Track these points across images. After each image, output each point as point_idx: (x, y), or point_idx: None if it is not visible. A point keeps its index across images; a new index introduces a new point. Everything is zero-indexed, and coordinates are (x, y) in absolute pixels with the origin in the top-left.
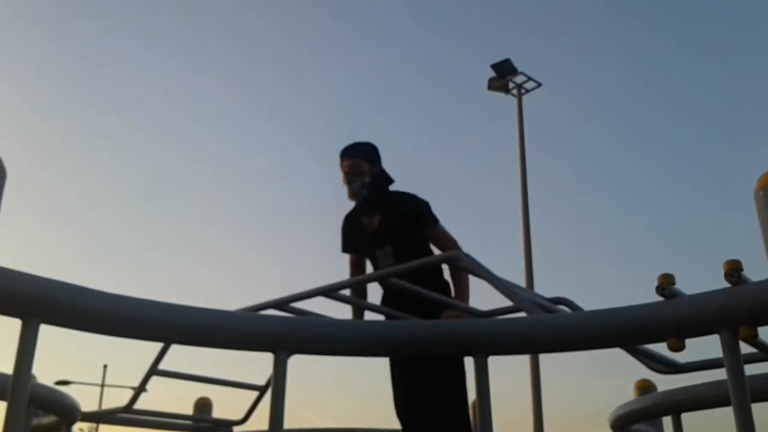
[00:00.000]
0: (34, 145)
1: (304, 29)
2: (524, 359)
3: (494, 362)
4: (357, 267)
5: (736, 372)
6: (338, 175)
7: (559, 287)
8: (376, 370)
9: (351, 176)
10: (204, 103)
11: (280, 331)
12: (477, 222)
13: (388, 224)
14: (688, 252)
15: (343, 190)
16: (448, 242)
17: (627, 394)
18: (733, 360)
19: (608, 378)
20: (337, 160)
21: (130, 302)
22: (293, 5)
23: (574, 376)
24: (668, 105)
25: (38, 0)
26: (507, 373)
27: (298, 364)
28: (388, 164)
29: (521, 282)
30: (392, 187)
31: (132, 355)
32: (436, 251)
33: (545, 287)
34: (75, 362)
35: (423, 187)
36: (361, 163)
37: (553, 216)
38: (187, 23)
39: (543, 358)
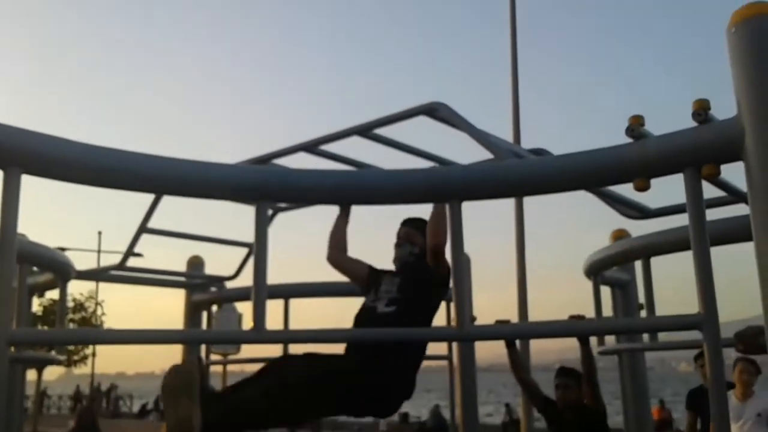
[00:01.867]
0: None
1: None
2: (510, 214)
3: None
4: (354, 262)
5: (697, 210)
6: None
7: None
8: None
9: (402, 241)
10: None
11: (260, 181)
12: (464, 75)
13: (407, 277)
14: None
15: (390, 251)
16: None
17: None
18: (695, 197)
19: (591, 236)
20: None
21: (114, 154)
22: None
23: (558, 234)
24: None
25: None
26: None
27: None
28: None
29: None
30: None
31: (127, 223)
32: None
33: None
34: (72, 233)
35: (413, 36)
36: (417, 234)
37: (542, 79)
38: None
39: (529, 215)
